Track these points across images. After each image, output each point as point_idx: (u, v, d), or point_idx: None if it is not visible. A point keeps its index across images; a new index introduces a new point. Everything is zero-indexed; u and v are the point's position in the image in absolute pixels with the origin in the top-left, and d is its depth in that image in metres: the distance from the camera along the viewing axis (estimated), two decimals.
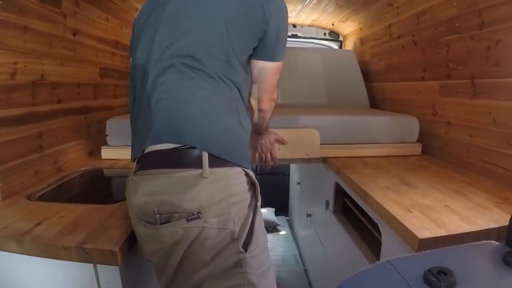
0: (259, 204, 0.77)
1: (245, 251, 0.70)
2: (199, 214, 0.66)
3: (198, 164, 0.67)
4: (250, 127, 0.84)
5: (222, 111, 0.75)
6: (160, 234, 0.68)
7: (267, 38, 0.81)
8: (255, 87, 0.91)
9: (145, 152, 0.73)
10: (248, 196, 0.74)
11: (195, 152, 0.68)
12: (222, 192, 0.69)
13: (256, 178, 0.79)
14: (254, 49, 0.83)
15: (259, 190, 0.77)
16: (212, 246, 0.68)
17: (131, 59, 0.90)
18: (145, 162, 0.73)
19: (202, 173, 0.67)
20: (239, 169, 0.73)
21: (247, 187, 0.74)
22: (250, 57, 0.84)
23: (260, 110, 0.98)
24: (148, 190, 0.69)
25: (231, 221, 0.69)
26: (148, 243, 0.72)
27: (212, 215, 0.67)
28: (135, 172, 0.74)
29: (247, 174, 0.75)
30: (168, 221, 0.68)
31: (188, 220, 0.66)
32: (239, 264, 0.70)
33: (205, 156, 0.67)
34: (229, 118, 0.76)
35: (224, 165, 0.70)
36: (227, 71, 0.76)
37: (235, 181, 0.72)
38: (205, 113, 0.72)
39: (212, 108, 0.73)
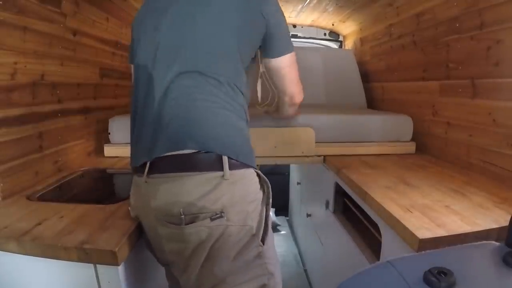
0: (270, 201, 0.82)
1: (263, 244, 0.77)
2: (222, 214, 0.70)
3: (217, 166, 0.71)
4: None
5: (235, 116, 0.78)
6: (185, 234, 0.71)
7: (271, 37, 0.85)
8: (284, 85, 0.97)
9: (158, 156, 0.74)
10: (260, 194, 0.79)
11: (214, 156, 0.72)
12: (240, 192, 0.73)
13: None
14: (264, 50, 0.88)
15: (270, 188, 0.81)
16: (235, 243, 0.73)
17: (131, 65, 0.91)
18: (161, 165, 0.74)
19: (223, 175, 0.71)
20: (252, 170, 0.78)
21: (259, 186, 0.79)
22: (261, 58, 0.91)
23: (294, 104, 1.04)
24: (171, 192, 0.72)
25: (249, 218, 0.75)
26: (171, 242, 0.75)
27: (233, 213, 0.72)
28: (147, 175, 0.75)
29: (258, 175, 0.80)
30: (192, 221, 0.71)
31: (212, 220, 0.70)
32: (259, 256, 0.76)
33: (225, 159, 0.71)
34: (240, 122, 0.80)
35: (241, 167, 0.74)
36: (234, 77, 0.79)
37: (250, 181, 0.77)
38: (221, 118, 0.76)
39: (226, 113, 0.77)
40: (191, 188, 0.71)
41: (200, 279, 0.75)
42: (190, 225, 0.71)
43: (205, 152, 0.72)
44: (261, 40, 0.86)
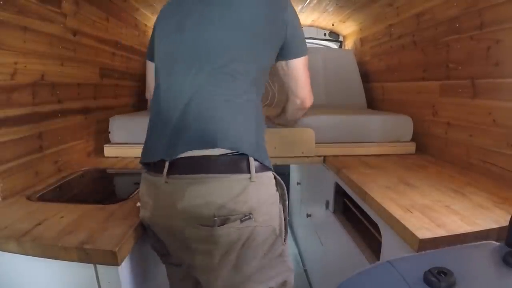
0: (287, 203, 0.84)
1: (284, 242, 0.82)
2: (250, 215, 0.72)
3: (244, 169, 0.73)
4: None
5: (256, 117, 0.82)
6: (216, 235, 0.72)
7: (288, 41, 0.89)
8: (296, 88, 0.99)
9: (182, 156, 0.74)
10: (277, 195, 0.82)
11: (241, 158, 0.74)
12: (264, 194, 0.76)
13: None
14: (281, 53, 0.91)
15: (285, 189, 0.84)
16: (262, 242, 0.76)
17: (149, 62, 0.99)
18: (183, 166, 0.74)
19: (250, 177, 0.73)
20: (271, 173, 0.80)
21: (275, 188, 0.81)
22: (278, 60, 0.93)
23: (304, 108, 1.06)
24: (200, 194, 0.72)
25: (273, 219, 0.78)
26: (200, 244, 0.75)
27: (260, 215, 0.74)
28: (167, 175, 0.75)
29: (275, 177, 0.82)
30: (223, 223, 0.72)
31: (242, 221, 0.72)
32: (282, 254, 0.82)
33: (252, 162, 0.73)
34: (260, 123, 0.84)
35: (263, 170, 0.77)
36: (255, 79, 0.82)
37: (270, 184, 0.79)
38: (245, 119, 0.79)
39: (249, 114, 0.80)
40: (222, 190, 0.72)
41: (228, 278, 0.76)
42: (221, 227, 0.71)
43: (233, 154, 0.73)
44: (281, 42, 0.88)
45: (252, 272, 0.77)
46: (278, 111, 1.27)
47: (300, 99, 1.02)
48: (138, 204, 0.87)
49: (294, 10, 0.90)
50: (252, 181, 0.73)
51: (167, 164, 0.75)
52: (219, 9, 0.81)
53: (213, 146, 0.73)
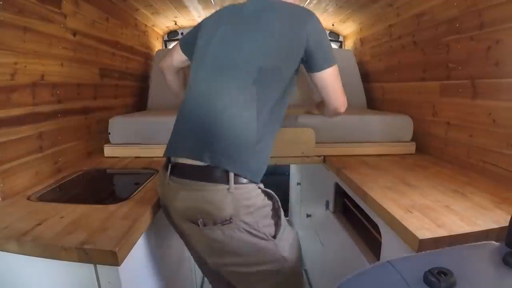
0: (279, 205, 0.92)
1: (274, 238, 0.88)
2: (231, 219, 0.83)
3: (224, 179, 0.83)
4: (273, 139, 0.96)
5: (258, 131, 0.88)
6: (203, 233, 0.86)
7: (313, 53, 0.93)
8: (328, 98, 1.05)
9: (179, 161, 0.89)
10: (268, 202, 0.90)
11: (223, 171, 0.83)
12: (244, 202, 0.84)
13: None
14: (307, 65, 0.97)
15: (275, 197, 0.92)
16: (246, 241, 0.85)
17: (180, 47, 1.13)
18: (180, 171, 0.88)
19: (229, 188, 0.82)
20: (254, 185, 0.88)
21: (263, 196, 0.89)
22: (308, 72, 0.99)
23: (339, 114, 1.10)
24: (187, 199, 0.86)
25: (257, 223, 0.86)
26: (192, 235, 0.93)
27: (240, 219, 0.83)
28: (169, 176, 0.90)
29: (259, 188, 0.90)
30: (206, 225, 0.85)
31: (223, 224, 0.83)
32: (270, 247, 0.89)
33: (231, 175, 0.82)
34: (263, 137, 0.89)
35: (245, 182, 0.85)
36: (271, 94, 0.90)
37: (252, 194, 0.87)
38: (241, 135, 0.86)
39: (249, 130, 0.87)
40: (203, 198, 0.83)
41: (217, 268, 0.94)
42: (206, 227, 0.84)
43: (217, 167, 0.83)
44: (303, 58, 0.94)
45: (237, 266, 0.89)
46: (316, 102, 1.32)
47: (334, 107, 1.07)
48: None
49: (317, 22, 0.94)
50: (230, 192, 0.82)
51: (169, 166, 0.90)
52: (242, 29, 0.93)
53: (201, 158, 0.84)
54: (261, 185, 0.91)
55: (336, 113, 1.10)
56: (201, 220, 0.84)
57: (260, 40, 0.90)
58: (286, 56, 0.91)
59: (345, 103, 1.08)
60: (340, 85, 1.04)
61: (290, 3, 0.98)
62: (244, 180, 0.85)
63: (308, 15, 0.93)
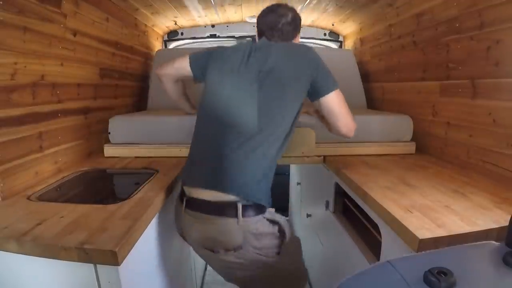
0: (282, 228, 1.02)
1: (278, 254, 1.01)
2: (241, 246, 0.94)
3: (233, 213, 0.93)
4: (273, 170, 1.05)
5: (266, 171, 0.99)
6: (219, 258, 0.98)
7: (315, 82, 1.03)
8: (335, 122, 1.11)
9: (193, 196, 0.99)
10: (272, 228, 1.00)
11: (232, 205, 0.93)
12: (252, 231, 0.95)
13: None
14: (312, 94, 1.05)
15: (280, 219, 1.03)
16: (255, 259, 0.97)
17: (189, 60, 1.16)
18: (194, 205, 0.98)
19: (238, 221, 0.93)
20: (260, 216, 0.97)
21: (267, 223, 0.99)
22: (313, 101, 1.09)
23: (348, 137, 1.15)
24: (202, 230, 0.98)
25: (266, 248, 0.99)
26: (210, 260, 1.05)
27: (249, 244, 0.95)
28: (185, 209, 1.00)
29: (264, 218, 0.99)
30: (221, 251, 0.96)
31: (235, 251, 0.95)
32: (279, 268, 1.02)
33: (240, 209, 0.92)
34: (268, 171, 1.00)
35: (253, 214, 0.95)
36: (279, 131, 1.00)
37: (258, 224, 0.97)
38: (253, 176, 0.96)
39: (260, 171, 0.97)
40: (218, 230, 0.94)
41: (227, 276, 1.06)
42: (220, 253, 0.96)
43: (227, 200, 0.94)
44: (308, 87, 1.03)
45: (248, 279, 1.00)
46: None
47: (343, 131, 1.12)
48: None
49: (314, 52, 1.06)
50: (240, 224, 0.93)
51: (185, 200, 1.00)
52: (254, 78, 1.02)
53: (214, 189, 0.95)
54: (267, 213, 0.99)
55: (346, 136, 1.14)
56: (215, 248, 0.96)
57: (271, 88, 1.01)
58: (296, 98, 1.03)
59: (354, 125, 1.12)
60: (346, 108, 1.09)
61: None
62: (252, 213, 0.94)
63: (305, 47, 1.07)
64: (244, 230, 0.93)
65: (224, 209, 0.93)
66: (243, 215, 0.92)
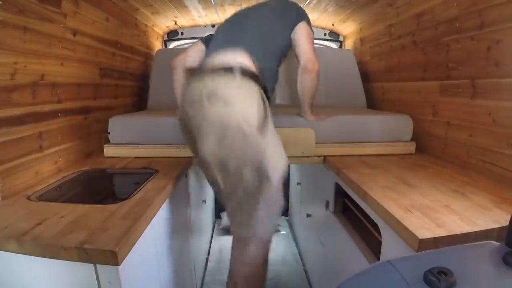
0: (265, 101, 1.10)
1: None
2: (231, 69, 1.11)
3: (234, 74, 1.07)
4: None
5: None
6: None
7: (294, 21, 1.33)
8: (299, 52, 1.34)
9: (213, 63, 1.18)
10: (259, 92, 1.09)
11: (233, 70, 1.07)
12: (244, 85, 1.07)
13: None
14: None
15: (263, 90, 1.12)
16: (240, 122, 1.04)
17: (200, 42, 1.48)
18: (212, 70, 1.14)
19: (235, 78, 1.06)
20: (252, 81, 1.08)
21: (257, 88, 1.08)
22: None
23: (309, 71, 1.36)
24: (210, 83, 1.10)
25: (250, 102, 1.05)
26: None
27: (240, 96, 1.07)
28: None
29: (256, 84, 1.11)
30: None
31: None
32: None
33: (237, 72, 1.06)
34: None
35: (248, 79, 1.07)
36: (266, 61, 1.20)
37: (251, 85, 1.07)
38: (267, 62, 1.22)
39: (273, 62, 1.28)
40: (219, 82, 1.06)
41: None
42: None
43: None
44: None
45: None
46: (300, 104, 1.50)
47: (304, 61, 1.32)
48: None
49: (302, 9, 1.37)
50: (236, 80, 1.06)
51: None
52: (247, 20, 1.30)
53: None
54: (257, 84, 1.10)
55: (307, 70, 1.34)
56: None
57: (263, 27, 1.27)
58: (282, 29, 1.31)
59: (316, 60, 1.34)
60: (311, 44, 1.34)
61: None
62: (247, 77, 1.07)
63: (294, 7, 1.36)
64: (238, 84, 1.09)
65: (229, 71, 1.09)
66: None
